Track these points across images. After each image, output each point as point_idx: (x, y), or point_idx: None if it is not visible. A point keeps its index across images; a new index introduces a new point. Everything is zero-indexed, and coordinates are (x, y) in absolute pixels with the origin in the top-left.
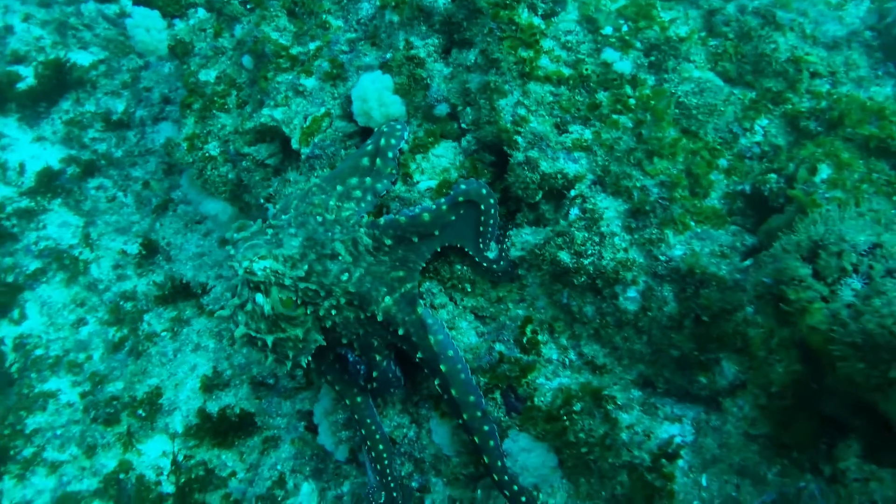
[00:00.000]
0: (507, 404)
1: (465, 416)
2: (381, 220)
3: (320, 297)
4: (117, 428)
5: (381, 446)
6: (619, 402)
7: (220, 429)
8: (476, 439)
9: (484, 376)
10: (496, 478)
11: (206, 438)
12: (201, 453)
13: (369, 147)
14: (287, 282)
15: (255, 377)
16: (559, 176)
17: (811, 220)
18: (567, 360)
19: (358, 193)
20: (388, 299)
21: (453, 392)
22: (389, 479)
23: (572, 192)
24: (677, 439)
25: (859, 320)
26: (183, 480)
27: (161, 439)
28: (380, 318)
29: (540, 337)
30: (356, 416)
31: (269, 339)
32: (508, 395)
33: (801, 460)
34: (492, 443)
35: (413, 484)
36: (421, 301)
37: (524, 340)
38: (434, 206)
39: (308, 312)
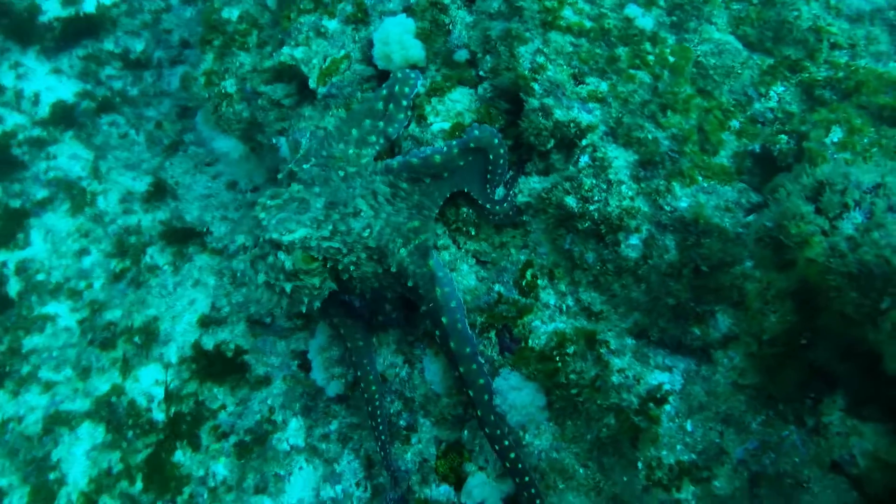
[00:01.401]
0: (501, 344)
1: (461, 369)
2: (395, 164)
3: (342, 254)
4: (113, 353)
5: (373, 387)
6: (612, 348)
7: (213, 363)
8: (471, 392)
9: (481, 315)
10: (488, 431)
11: (199, 371)
12: (193, 385)
13: (384, 92)
14: (312, 243)
15: (252, 315)
16: (572, 125)
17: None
18: (564, 305)
19: (372, 138)
20: (402, 251)
21: (452, 345)
22: (379, 420)
23: (584, 142)
24: (666, 386)
25: (857, 251)
26: (174, 410)
27: (155, 368)
28: (393, 270)
29: (539, 282)
30: (353, 359)
31: (288, 287)
32: (503, 334)
33: (785, 412)
34: (486, 397)
35: (401, 423)
36: (434, 252)
37: (523, 283)
38: (445, 149)
39: (327, 266)
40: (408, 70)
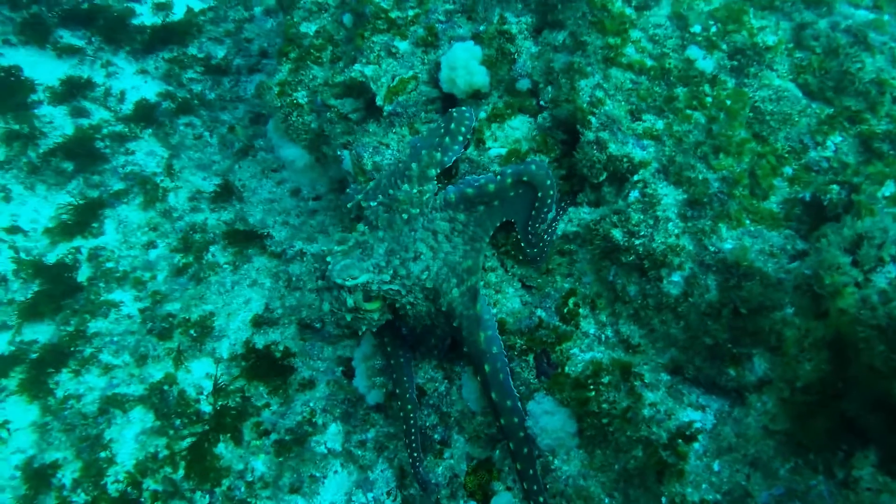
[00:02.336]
0: (538, 367)
1: (502, 421)
2: (452, 197)
3: (401, 295)
4: (169, 343)
5: (409, 406)
6: (646, 381)
7: (262, 362)
8: (511, 445)
9: (521, 338)
10: (525, 486)
11: (248, 369)
12: (241, 382)
13: (441, 130)
14: (373, 287)
15: (303, 319)
16: (625, 159)
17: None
18: (603, 336)
19: (431, 172)
20: (455, 291)
21: (493, 396)
22: (412, 438)
23: (635, 177)
24: (697, 424)
25: (887, 305)
26: (220, 404)
27: (207, 362)
28: (444, 309)
29: (581, 310)
30: (394, 375)
31: (349, 317)
32: (541, 359)
33: (815, 462)
34: (526, 450)
35: (435, 436)
36: (482, 296)
37: (565, 311)
38: (499, 178)
39: (386, 303)
40: (463, 109)
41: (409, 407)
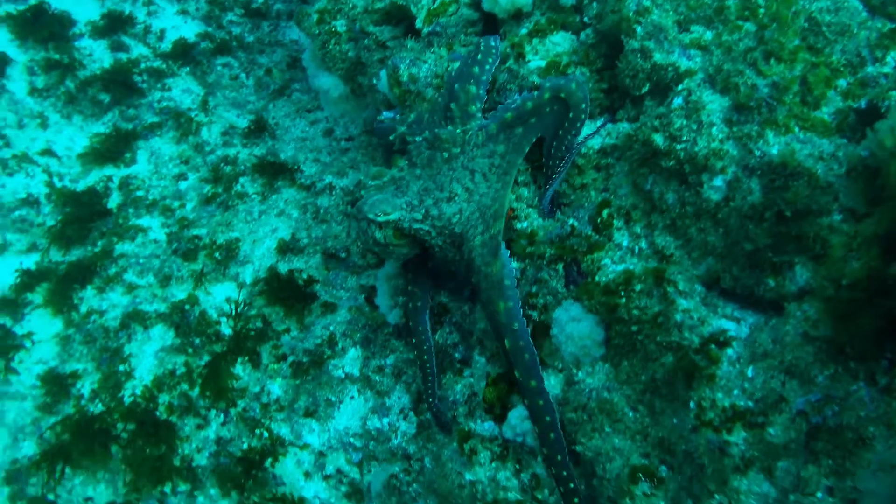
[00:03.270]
0: (567, 276)
1: (526, 401)
2: (493, 128)
3: (431, 236)
4: (193, 265)
5: (425, 357)
6: (680, 288)
7: (284, 287)
8: (537, 428)
9: (551, 248)
10: (553, 471)
11: (270, 294)
12: (262, 306)
13: (469, 60)
14: (405, 224)
15: (328, 249)
16: (670, 69)
17: None
18: (637, 247)
19: (472, 108)
20: (477, 239)
21: (517, 374)
22: (429, 385)
23: (680, 87)
24: (731, 332)
25: None
26: (240, 326)
27: (229, 286)
28: (465, 257)
29: (615, 222)
30: (410, 323)
31: (376, 250)
32: (571, 267)
33: (856, 370)
34: (552, 435)
35: (456, 355)
36: (504, 253)
37: (598, 221)
38: (536, 94)
39: (416, 240)
40: (490, 39)
41: (426, 358)
